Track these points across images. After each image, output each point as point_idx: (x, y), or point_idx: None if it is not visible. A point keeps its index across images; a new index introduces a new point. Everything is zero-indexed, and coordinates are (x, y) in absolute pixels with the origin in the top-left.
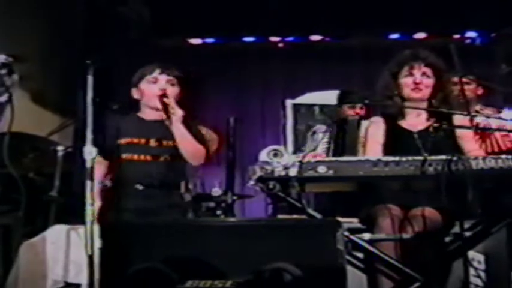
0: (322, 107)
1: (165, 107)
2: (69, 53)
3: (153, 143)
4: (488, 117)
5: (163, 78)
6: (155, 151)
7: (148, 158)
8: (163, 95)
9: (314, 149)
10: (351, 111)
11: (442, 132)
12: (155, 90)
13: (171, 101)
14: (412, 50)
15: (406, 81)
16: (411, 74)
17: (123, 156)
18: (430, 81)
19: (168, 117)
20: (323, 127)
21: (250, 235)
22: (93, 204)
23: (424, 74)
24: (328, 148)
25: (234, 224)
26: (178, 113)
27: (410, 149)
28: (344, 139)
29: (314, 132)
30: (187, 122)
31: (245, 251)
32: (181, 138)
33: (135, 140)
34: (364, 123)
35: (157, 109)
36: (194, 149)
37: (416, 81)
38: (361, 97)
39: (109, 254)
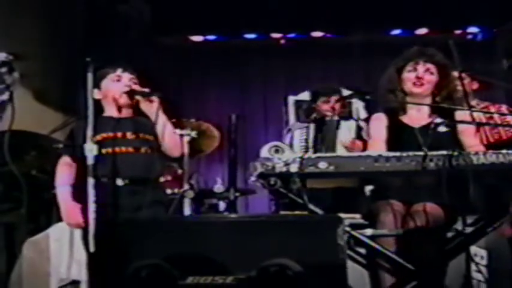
0: (309, 103)
1: (136, 101)
2: (70, 51)
3: (130, 135)
4: (485, 112)
5: (126, 76)
6: (135, 143)
7: (130, 149)
8: (131, 91)
9: (290, 146)
10: (325, 106)
11: (445, 128)
12: (120, 88)
13: (143, 90)
14: (420, 47)
15: (408, 76)
16: (414, 69)
17: (103, 151)
18: (432, 78)
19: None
20: (300, 125)
21: (251, 231)
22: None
23: (427, 70)
24: (306, 146)
25: (235, 220)
26: (156, 99)
27: (412, 145)
28: (323, 140)
29: (289, 130)
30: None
31: (246, 247)
32: (163, 127)
33: (111, 135)
34: (345, 124)
35: (126, 106)
36: (175, 140)
37: (419, 76)
38: (334, 89)
39: (110, 251)
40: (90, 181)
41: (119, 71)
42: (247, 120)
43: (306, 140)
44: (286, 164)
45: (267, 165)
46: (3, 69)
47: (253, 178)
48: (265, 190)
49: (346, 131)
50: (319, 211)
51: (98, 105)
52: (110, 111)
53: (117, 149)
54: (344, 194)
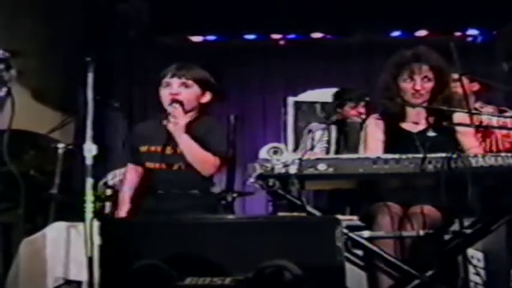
0: (324, 104)
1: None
2: (69, 50)
3: (168, 150)
4: (492, 115)
5: (175, 82)
6: (169, 159)
7: (163, 166)
8: (173, 101)
9: (311, 148)
10: (353, 111)
11: (443, 131)
12: (167, 95)
13: (176, 108)
14: (413, 50)
15: (406, 86)
16: (411, 79)
17: (146, 164)
18: (430, 85)
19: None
20: (320, 126)
21: (249, 232)
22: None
23: (425, 77)
24: (328, 148)
25: (233, 221)
26: (180, 122)
27: (410, 150)
28: (346, 141)
29: (310, 131)
30: (199, 120)
31: (244, 248)
32: (184, 147)
33: (152, 149)
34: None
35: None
36: (201, 159)
37: (416, 88)
38: (362, 95)
39: (109, 252)
40: (89, 181)
41: (168, 76)
42: (246, 121)
43: (328, 141)
44: (285, 166)
45: (266, 167)
46: (0, 66)
47: (252, 179)
48: (262, 191)
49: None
50: (317, 213)
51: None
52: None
53: (152, 165)
54: (342, 196)
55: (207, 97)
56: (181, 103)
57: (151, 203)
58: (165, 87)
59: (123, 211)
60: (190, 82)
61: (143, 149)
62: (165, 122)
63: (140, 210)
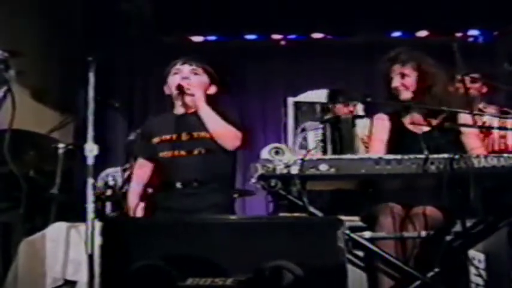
0: (324, 104)
1: (182, 93)
2: (69, 49)
3: (184, 137)
4: (493, 116)
5: (185, 68)
6: (188, 145)
7: (183, 153)
8: (179, 86)
9: (302, 148)
10: (345, 109)
11: (447, 132)
12: (176, 80)
13: (187, 82)
14: (390, 53)
15: (392, 86)
16: (392, 79)
17: (160, 155)
18: (409, 80)
19: (186, 102)
20: (314, 125)
21: (251, 233)
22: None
23: (400, 74)
24: (324, 147)
25: (235, 222)
26: (197, 92)
27: (414, 151)
28: (341, 137)
29: (303, 130)
30: (213, 107)
31: (246, 249)
32: (207, 118)
33: (167, 137)
34: (360, 122)
35: (186, 100)
36: (225, 129)
37: (393, 86)
38: (360, 95)
39: (110, 252)
40: (90, 181)
41: (178, 64)
42: (246, 121)
43: (323, 141)
44: (287, 166)
45: (268, 167)
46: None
47: (253, 180)
48: (263, 191)
49: (362, 129)
50: (318, 213)
51: (170, 102)
52: (176, 108)
53: (169, 154)
54: (344, 196)
55: (213, 89)
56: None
57: (169, 200)
58: (174, 74)
59: (138, 209)
60: (200, 70)
61: (156, 140)
62: (172, 111)
63: (158, 208)
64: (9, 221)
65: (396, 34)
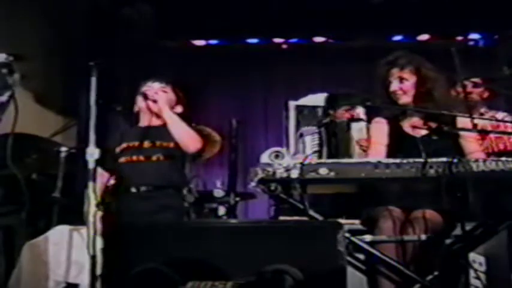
0: (325, 109)
1: (146, 98)
2: (72, 53)
3: (146, 144)
4: (492, 120)
5: (155, 85)
6: (148, 152)
7: (141, 158)
8: (143, 94)
9: (301, 153)
10: (346, 114)
11: (445, 135)
12: (143, 96)
13: (150, 91)
14: (387, 58)
15: (391, 90)
16: (390, 83)
17: (120, 160)
18: (407, 84)
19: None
20: (310, 129)
21: (252, 236)
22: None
23: (398, 78)
24: (320, 151)
25: (236, 226)
26: (160, 98)
27: (413, 154)
28: (337, 141)
29: (301, 135)
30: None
31: (246, 252)
32: (170, 120)
33: (130, 144)
34: (356, 125)
35: (149, 113)
36: (187, 133)
37: (391, 90)
38: (360, 99)
39: (111, 255)
40: (91, 185)
41: (149, 83)
42: (248, 125)
43: (320, 145)
44: (287, 170)
45: (268, 171)
46: (4, 71)
47: (253, 183)
48: (265, 195)
49: (357, 133)
50: (319, 217)
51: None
52: (142, 121)
53: (129, 158)
54: (344, 200)
55: (179, 108)
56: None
57: (123, 204)
58: (144, 91)
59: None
60: (168, 88)
61: (118, 148)
62: (142, 122)
63: (113, 212)
64: (12, 225)
65: (397, 38)
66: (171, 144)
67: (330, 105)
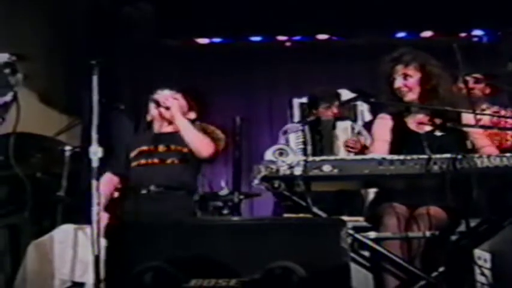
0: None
1: (159, 105)
2: (74, 52)
3: (161, 148)
4: (494, 115)
5: (166, 93)
6: (163, 155)
7: (156, 161)
8: (156, 101)
9: None
10: (328, 112)
11: (450, 131)
12: (155, 104)
13: (162, 98)
14: (394, 53)
15: (395, 87)
16: (394, 79)
17: (133, 164)
18: (412, 81)
19: (165, 117)
20: (294, 127)
21: (255, 234)
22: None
23: (403, 75)
24: (304, 149)
25: (239, 223)
26: (172, 104)
27: (417, 151)
28: (321, 140)
29: (285, 132)
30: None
31: (249, 250)
32: (183, 126)
33: (145, 149)
34: (341, 124)
35: (162, 120)
36: (199, 138)
37: (395, 86)
38: (335, 94)
39: (115, 253)
40: (94, 184)
41: (159, 90)
42: (252, 123)
43: (304, 143)
44: (290, 167)
45: (271, 168)
46: (7, 70)
47: (256, 181)
48: (269, 193)
49: (342, 132)
50: (322, 214)
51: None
52: (155, 127)
53: (143, 161)
54: (348, 197)
55: (192, 115)
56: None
57: (134, 205)
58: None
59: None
60: (178, 96)
61: (134, 153)
62: (156, 129)
63: (124, 213)
64: (18, 224)
65: (401, 35)
66: (186, 149)
67: (312, 103)
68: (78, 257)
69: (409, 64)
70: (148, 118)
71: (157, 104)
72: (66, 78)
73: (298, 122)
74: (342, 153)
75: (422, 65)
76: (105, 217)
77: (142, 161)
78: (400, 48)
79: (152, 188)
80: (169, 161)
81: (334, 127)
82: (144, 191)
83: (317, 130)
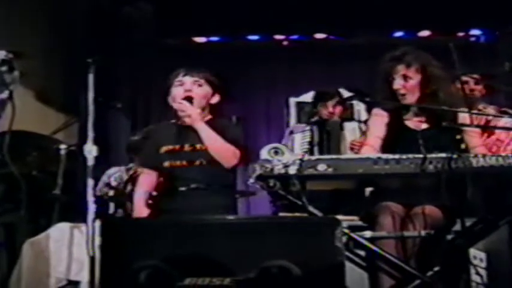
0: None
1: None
2: (73, 51)
3: (187, 148)
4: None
5: (188, 80)
6: (190, 156)
7: (184, 163)
8: (186, 98)
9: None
10: (325, 111)
11: (446, 130)
12: (180, 92)
13: (182, 103)
14: (394, 51)
15: (392, 87)
16: (393, 79)
17: (165, 164)
18: (412, 83)
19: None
20: (300, 127)
21: (250, 233)
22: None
23: (403, 76)
24: (311, 149)
25: (234, 222)
26: (193, 112)
27: (412, 149)
28: (329, 141)
29: (291, 132)
30: (213, 122)
31: (244, 249)
32: (205, 137)
33: (170, 148)
34: (349, 125)
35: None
36: (222, 148)
37: (395, 87)
38: (333, 93)
39: (109, 252)
40: (90, 182)
41: (180, 75)
42: (249, 122)
43: (310, 143)
44: (285, 166)
45: (266, 167)
46: (3, 68)
47: (251, 180)
48: (265, 191)
49: (350, 133)
50: (318, 213)
51: (172, 112)
52: (181, 119)
53: (172, 163)
54: (343, 196)
55: (216, 98)
56: (191, 100)
57: (172, 202)
58: (177, 86)
59: (143, 215)
60: (202, 81)
61: (164, 149)
62: (176, 121)
63: (162, 211)
64: (13, 222)
65: (398, 34)
66: None
67: (314, 103)
68: (73, 255)
69: (411, 65)
70: (171, 102)
71: (176, 101)
72: (64, 77)
73: (305, 123)
74: (349, 154)
75: (424, 67)
76: (145, 213)
77: (172, 163)
78: (402, 47)
79: (192, 185)
80: (197, 162)
81: (342, 128)
82: (182, 188)
83: (325, 130)
